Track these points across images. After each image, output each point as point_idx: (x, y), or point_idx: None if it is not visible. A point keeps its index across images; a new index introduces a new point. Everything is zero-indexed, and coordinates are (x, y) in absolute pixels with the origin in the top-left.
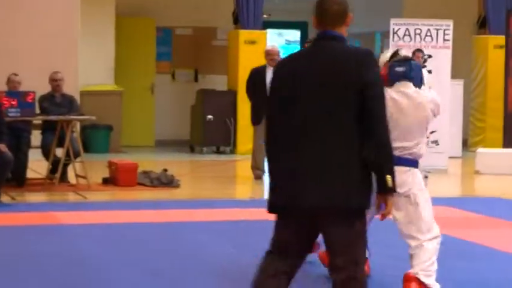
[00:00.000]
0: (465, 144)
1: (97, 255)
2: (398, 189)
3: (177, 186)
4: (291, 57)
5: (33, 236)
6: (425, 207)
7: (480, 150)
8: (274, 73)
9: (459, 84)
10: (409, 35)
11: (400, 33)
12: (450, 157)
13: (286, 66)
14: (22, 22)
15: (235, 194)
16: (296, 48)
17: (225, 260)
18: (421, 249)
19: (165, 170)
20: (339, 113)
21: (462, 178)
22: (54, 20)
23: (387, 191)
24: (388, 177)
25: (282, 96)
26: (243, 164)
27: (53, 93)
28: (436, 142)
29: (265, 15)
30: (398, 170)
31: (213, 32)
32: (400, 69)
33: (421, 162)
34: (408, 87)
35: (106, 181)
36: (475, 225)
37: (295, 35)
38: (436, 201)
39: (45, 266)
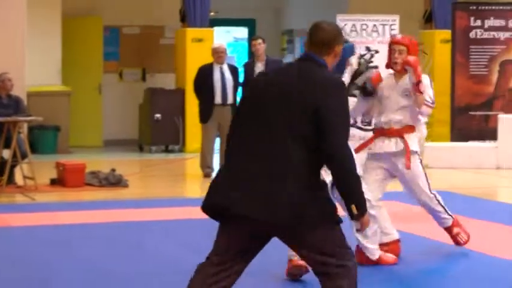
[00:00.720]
0: None
1: (45, 257)
2: None
3: (125, 186)
4: (270, 71)
5: None
6: None
7: (428, 144)
8: (250, 83)
9: None
10: (356, 31)
11: (347, 29)
12: None
13: (260, 79)
14: None
15: (184, 193)
16: (244, 45)
17: (173, 259)
18: None
19: (113, 170)
20: (292, 131)
21: None
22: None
23: (354, 218)
24: (353, 206)
25: (247, 106)
26: (192, 162)
27: None
28: None
29: (212, 13)
30: None
31: (160, 31)
32: None
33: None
34: None
35: (54, 182)
36: (423, 219)
37: (243, 32)
38: (385, 196)
39: None
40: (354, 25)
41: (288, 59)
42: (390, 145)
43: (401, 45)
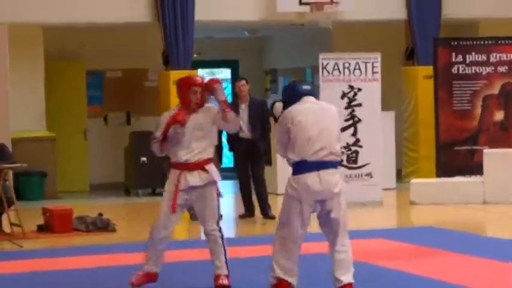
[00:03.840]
0: (399, 175)
1: None
2: (336, 189)
3: (113, 230)
4: None
5: None
6: None
7: (414, 180)
8: None
9: (390, 116)
10: (338, 69)
11: (329, 67)
12: (384, 189)
13: None
14: None
15: (172, 235)
16: (228, 86)
17: None
18: None
19: (101, 215)
20: None
21: (397, 209)
22: None
23: None
24: None
25: None
26: None
27: None
28: (369, 175)
29: (195, 55)
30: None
31: (144, 74)
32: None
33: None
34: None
35: (41, 228)
36: (409, 255)
37: (226, 73)
38: (371, 233)
39: None
40: (336, 64)
41: (272, 98)
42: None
43: (199, 87)
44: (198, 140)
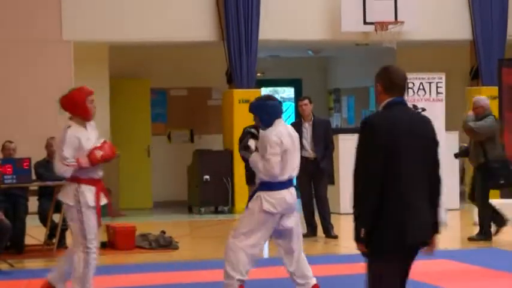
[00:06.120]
0: (463, 196)
1: None
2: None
3: (175, 248)
4: (385, 117)
5: None
6: None
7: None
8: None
9: (454, 136)
10: None
11: None
12: (448, 209)
13: (383, 126)
14: (15, 89)
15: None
16: (291, 105)
17: None
18: None
19: (163, 232)
20: (426, 164)
21: (461, 230)
22: (48, 85)
23: None
24: None
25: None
26: None
27: (48, 159)
28: None
29: (258, 74)
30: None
31: (207, 92)
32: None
33: None
34: None
35: (104, 245)
36: (473, 277)
37: (289, 92)
38: (436, 254)
39: None
40: None
41: (336, 118)
42: None
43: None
44: None
